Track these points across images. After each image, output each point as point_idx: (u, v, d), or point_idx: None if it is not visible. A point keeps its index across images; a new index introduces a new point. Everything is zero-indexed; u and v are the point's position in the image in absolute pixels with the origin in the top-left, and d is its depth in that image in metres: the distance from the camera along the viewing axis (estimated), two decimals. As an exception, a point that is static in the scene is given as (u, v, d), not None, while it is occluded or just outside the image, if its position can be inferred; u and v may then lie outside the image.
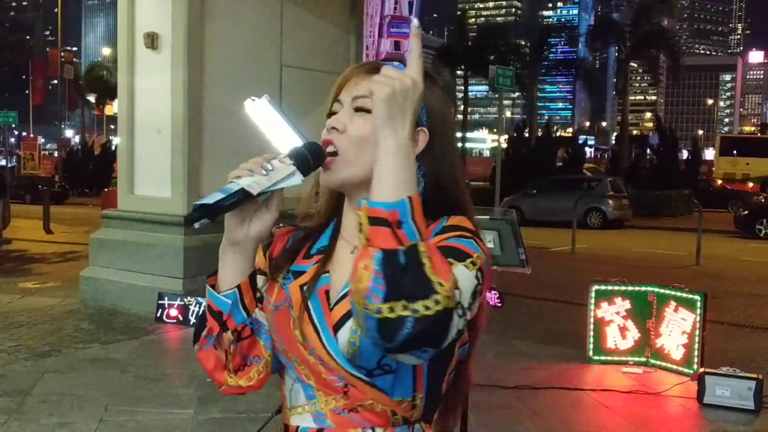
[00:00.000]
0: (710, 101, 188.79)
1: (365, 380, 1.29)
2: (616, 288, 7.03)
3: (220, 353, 1.41)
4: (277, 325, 1.38)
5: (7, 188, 21.24)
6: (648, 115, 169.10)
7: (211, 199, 1.26)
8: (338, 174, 1.36)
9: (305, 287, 1.36)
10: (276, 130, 5.62)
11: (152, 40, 8.79)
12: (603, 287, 7.05)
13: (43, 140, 58.50)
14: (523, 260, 3.47)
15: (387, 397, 1.30)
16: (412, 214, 1.15)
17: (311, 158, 1.34)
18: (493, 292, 3.89)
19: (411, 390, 1.31)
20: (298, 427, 1.38)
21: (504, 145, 24.63)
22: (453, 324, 1.13)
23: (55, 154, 54.01)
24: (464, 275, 1.20)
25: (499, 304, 3.93)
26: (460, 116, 43.47)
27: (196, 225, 1.28)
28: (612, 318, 6.99)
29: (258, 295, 1.42)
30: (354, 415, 1.32)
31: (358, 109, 1.37)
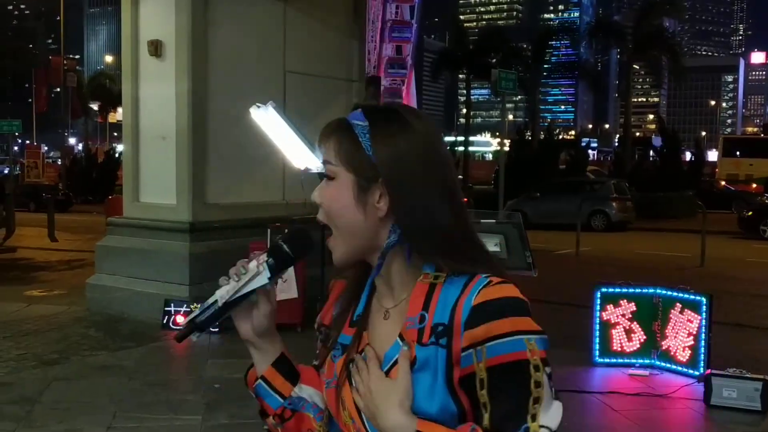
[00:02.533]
0: (713, 102, 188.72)
1: None
2: (622, 290, 7.04)
3: None
4: (329, 402, 1.40)
5: (6, 195, 21.27)
6: (651, 116, 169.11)
7: (195, 314, 1.35)
8: (335, 256, 1.36)
9: (350, 365, 1.35)
10: (281, 135, 5.68)
11: (156, 48, 8.84)
12: (608, 290, 7.06)
13: (46, 148, 58.65)
14: (530, 263, 3.49)
15: None
16: None
17: (290, 248, 1.38)
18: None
19: None
20: None
21: (507, 149, 24.61)
22: None
23: (59, 162, 54.10)
24: (553, 410, 1.23)
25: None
26: (462, 120, 43.46)
27: (193, 338, 1.36)
28: (617, 320, 7.00)
29: (314, 363, 1.47)
30: None
31: (326, 176, 1.35)
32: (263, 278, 1.35)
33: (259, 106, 5.31)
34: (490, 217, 3.52)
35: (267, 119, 5.00)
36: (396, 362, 1.27)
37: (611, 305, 7.01)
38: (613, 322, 7.01)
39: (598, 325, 7.03)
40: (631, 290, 7.04)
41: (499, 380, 1.20)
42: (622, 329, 7.00)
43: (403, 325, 1.29)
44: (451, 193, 1.31)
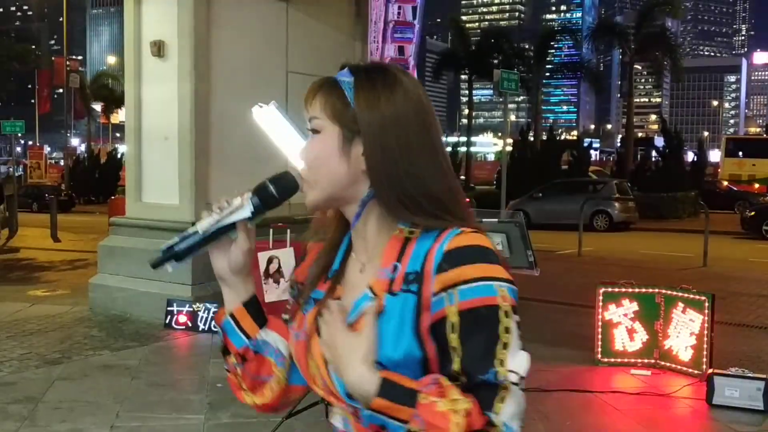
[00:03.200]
0: (715, 102, 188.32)
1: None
2: (624, 290, 7.04)
3: (232, 375, 1.51)
4: (297, 354, 1.42)
5: (8, 196, 21.31)
6: (653, 117, 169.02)
7: (171, 243, 1.37)
8: (307, 198, 1.39)
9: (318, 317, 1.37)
10: (284, 136, 5.67)
11: (159, 49, 8.85)
12: (610, 289, 7.06)
13: (49, 149, 58.70)
14: (532, 262, 3.49)
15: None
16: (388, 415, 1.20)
17: (275, 188, 1.40)
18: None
19: None
20: None
21: (509, 149, 24.59)
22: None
23: (61, 162, 54.14)
24: (520, 356, 1.25)
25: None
26: (464, 120, 43.44)
27: (169, 268, 1.39)
28: (620, 320, 7.00)
29: (284, 317, 1.50)
30: None
31: (312, 131, 1.38)
32: (245, 212, 1.38)
33: (261, 106, 5.33)
34: (492, 217, 3.52)
35: (269, 119, 5.02)
36: (360, 312, 1.30)
37: (614, 305, 7.02)
38: (615, 321, 7.01)
39: (600, 325, 7.03)
40: (633, 290, 7.04)
41: (469, 324, 1.22)
42: (625, 329, 7.01)
43: (374, 276, 1.33)
44: (433, 150, 1.34)
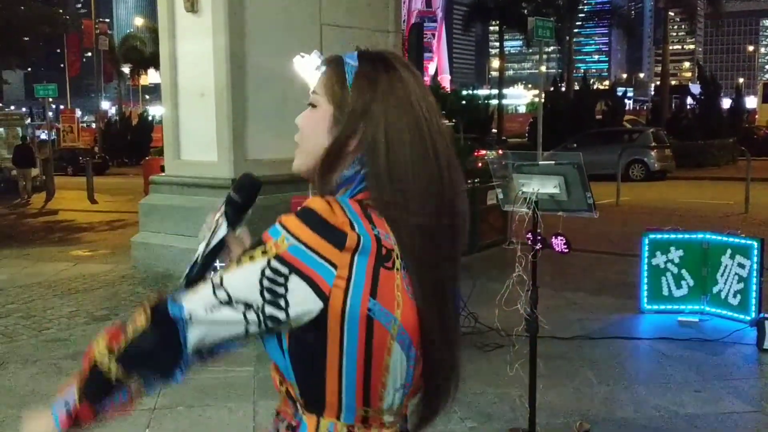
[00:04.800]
0: (751, 48, 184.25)
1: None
2: (670, 236, 6.95)
3: None
4: None
5: (44, 160, 21.58)
6: (686, 64, 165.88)
7: (186, 273, 1.53)
8: (294, 162, 1.48)
9: None
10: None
11: (192, 4, 8.78)
12: (656, 236, 6.97)
13: (80, 113, 59.08)
14: (591, 204, 3.42)
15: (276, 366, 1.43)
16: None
17: (239, 196, 1.54)
18: (559, 237, 3.84)
19: (286, 379, 1.40)
20: None
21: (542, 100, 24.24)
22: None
23: (93, 126, 54.52)
24: (237, 271, 1.31)
25: (566, 250, 3.89)
26: (495, 72, 42.91)
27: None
28: (666, 266, 6.93)
29: None
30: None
31: (310, 104, 1.45)
32: (224, 229, 1.52)
33: (303, 56, 5.26)
34: (549, 159, 3.46)
35: (311, 69, 4.95)
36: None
37: (659, 251, 6.93)
38: (661, 268, 6.94)
39: (646, 272, 6.96)
40: (679, 236, 6.95)
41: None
42: (671, 275, 6.93)
43: None
44: (422, 149, 1.36)
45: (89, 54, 64.05)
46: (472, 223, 7.33)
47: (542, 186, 3.40)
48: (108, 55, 48.11)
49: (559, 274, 8.02)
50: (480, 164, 16.24)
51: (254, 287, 1.27)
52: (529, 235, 3.63)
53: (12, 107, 58.79)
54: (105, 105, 66.26)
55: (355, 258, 1.27)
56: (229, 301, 1.28)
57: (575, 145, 23.61)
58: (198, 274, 1.50)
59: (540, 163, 3.53)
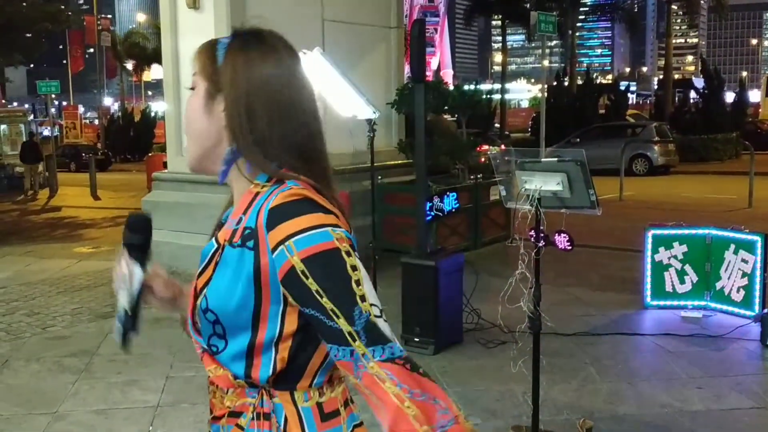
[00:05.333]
0: (754, 41, 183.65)
1: (207, 350, 1.45)
2: (674, 232, 6.94)
3: None
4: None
5: (47, 156, 21.62)
6: (690, 58, 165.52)
7: (117, 329, 1.54)
8: (187, 156, 1.50)
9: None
10: (328, 81, 5.59)
11: (194, 0, 8.77)
12: (660, 231, 6.96)
13: (82, 109, 59.10)
14: (594, 201, 3.41)
15: (223, 368, 1.42)
16: None
17: (136, 236, 1.52)
18: (563, 234, 3.83)
19: (244, 368, 1.39)
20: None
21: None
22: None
23: (96, 122, 54.51)
24: (371, 290, 1.29)
25: (569, 248, 3.88)
26: (497, 67, 42.78)
27: (132, 336, 1.56)
28: (669, 262, 6.92)
29: None
30: (212, 376, 1.46)
31: (191, 89, 1.47)
32: (139, 273, 1.51)
33: (305, 53, 5.23)
34: (551, 156, 3.45)
35: (313, 66, 4.94)
36: (210, 257, 1.40)
37: (662, 247, 6.93)
38: (665, 263, 6.93)
39: (649, 268, 6.95)
40: (683, 231, 6.94)
41: (318, 268, 1.26)
42: (674, 271, 6.93)
43: (225, 227, 1.42)
44: (302, 114, 1.41)
45: (91, 50, 64.05)
46: (474, 219, 7.39)
47: (545, 183, 3.39)
48: (110, 51, 48.06)
49: (561, 270, 8.01)
50: (483, 159, 16.23)
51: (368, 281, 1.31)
52: (532, 233, 3.63)
53: (15, 104, 58.79)
54: (107, 101, 66.26)
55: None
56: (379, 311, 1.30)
57: (578, 139, 23.59)
58: (132, 324, 1.52)
59: (543, 160, 3.51)
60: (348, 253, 1.28)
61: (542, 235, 3.58)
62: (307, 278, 1.26)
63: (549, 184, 3.40)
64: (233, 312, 1.34)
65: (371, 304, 1.27)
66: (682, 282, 6.92)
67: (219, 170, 1.45)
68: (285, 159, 1.38)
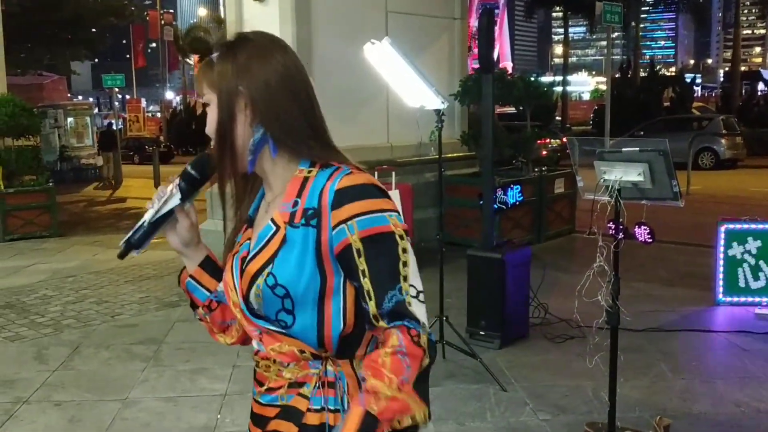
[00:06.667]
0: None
1: (272, 329, 1.52)
2: (747, 227, 6.74)
3: (204, 323, 1.78)
4: (226, 293, 1.64)
5: (113, 149, 22.14)
6: (757, 49, 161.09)
7: (128, 236, 1.62)
8: (224, 172, 1.56)
9: (234, 257, 1.60)
10: (396, 71, 5.52)
11: (259, -7, 8.81)
12: (733, 226, 6.76)
13: (145, 102, 60.14)
14: (677, 193, 3.30)
15: (293, 340, 1.50)
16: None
17: (194, 170, 1.61)
18: (643, 227, 3.73)
19: (316, 338, 1.49)
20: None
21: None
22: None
23: (158, 115, 55.39)
24: (416, 273, 1.45)
25: (650, 241, 3.78)
26: (558, 59, 42.20)
27: (134, 253, 1.63)
28: (743, 257, 6.72)
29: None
30: (272, 353, 1.54)
31: (204, 105, 1.57)
32: (176, 199, 1.60)
33: (373, 43, 5.19)
34: (632, 145, 3.35)
35: (382, 56, 4.89)
36: (268, 239, 1.50)
37: (736, 242, 6.73)
38: (738, 259, 6.73)
39: (722, 263, 6.75)
40: (757, 226, 6.73)
41: (372, 248, 1.41)
42: (748, 267, 6.72)
43: (276, 210, 1.52)
44: (309, 104, 1.54)
45: (153, 44, 65.10)
46: (538, 212, 7.28)
47: (625, 174, 3.30)
48: (173, 45, 48.75)
49: (628, 265, 7.83)
50: (545, 152, 16.01)
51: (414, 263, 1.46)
52: (611, 225, 3.53)
53: (80, 97, 60.12)
54: (169, 95, 67.36)
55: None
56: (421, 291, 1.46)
57: (642, 132, 23.13)
58: (140, 239, 1.60)
59: (624, 150, 3.41)
60: (401, 237, 1.43)
61: (622, 227, 3.48)
62: (359, 257, 1.41)
63: (630, 174, 3.30)
64: (304, 285, 1.45)
65: (410, 285, 1.42)
66: (756, 278, 6.71)
67: (247, 159, 1.53)
68: (311, 144, 1.51)
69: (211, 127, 1.54)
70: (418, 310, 1.41)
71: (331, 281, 1.46)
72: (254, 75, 1.49)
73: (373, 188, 1.45)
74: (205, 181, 1.63)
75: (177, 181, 1.61)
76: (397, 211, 1.45)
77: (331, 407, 1.51)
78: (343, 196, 1.42)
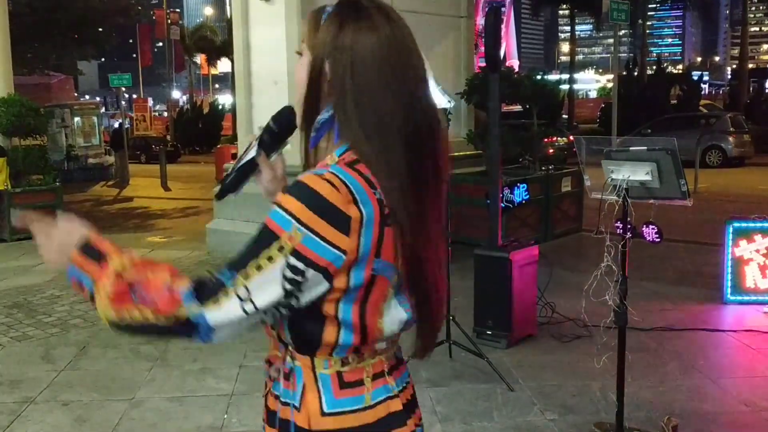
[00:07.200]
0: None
1: None
2: (756, 225, 6.71)
3: None
4: None
5: (120, 148, 22.23)
6: (765, 46, 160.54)
7: (224, 179, 1.66)
8: (297, 116, 1.54)
9: None
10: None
11: (265, -8, 8.81)
12: (741, 225, 6.73)
13: (152, 102, 60.28)
14: (685, 192, 3.28)
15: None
16: (80, 269, 1.42)
17: (274, 123, 1.62)
18: (651, 226, 3.71)
19: (273, 322, 1.42)
20: None
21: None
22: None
23: (165, 114, 55.51)
24: (260, 279, 1.31)
25: (658, 240, 3.76)
26: (564, 57, 42.14)
27: (232, 197, 1.66)
28: (751, 256, 6.69)
29: None
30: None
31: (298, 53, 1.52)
32: (254, 151, 1.63)
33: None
34: (639, 144, 3.33)
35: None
36: None
37: (744, 241, 6.70)
38: (746, 258, 6.70)
39: (729, 262, 6.73)
40: (765, 225, 6.70)
41: (257, 236, 1.34)
42: (756, 265, 6.69)
43: None
44: (396, 86, 1.38)
45: (160, 44, 65.24)
46: (545, 211, 7.26)
47: (633, 173, 3.28)
48: (179, 44, 48.83)
49: (636, 264, 7.79)
50: (551, 151, 15.98)
51: (278, 291, 1.31)
52: (618, 224, 3.51)
53: (86, 97, 60.29)
54: (175, 94, 67.52)
55: (361, 235, 1.32)
56: (256, 311, 1.32)
57: (649, 130, 23.07)
58: (232, 183, 1.63)
59: (631, 149, 3.40)
60: (281, 249, 1.30)
61: (630, 226, 3.46)
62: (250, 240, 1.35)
63: (638, 173, 3.28)
64: None
65: (246, 287, 1.30)
66: (765, 277, 6.68)
67: (311, 135, 1.48)
68: (360, 137, 1.38)
69: (297, 79, 1.50)
70: (225, 309, 1.31)
71: None
72: (344, 53, 1.39)
73: (312, 192, 1.31)
74: (286, 135, 1.63)
75: (259, 134, 1.63)
76: (315, 233, 1.29)
77: (283, 399, 1.49)
78: (292, 186, 1.34)
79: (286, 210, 1.30)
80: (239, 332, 1.37)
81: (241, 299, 1.31)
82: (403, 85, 1.39)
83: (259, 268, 1.30)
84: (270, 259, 1.30)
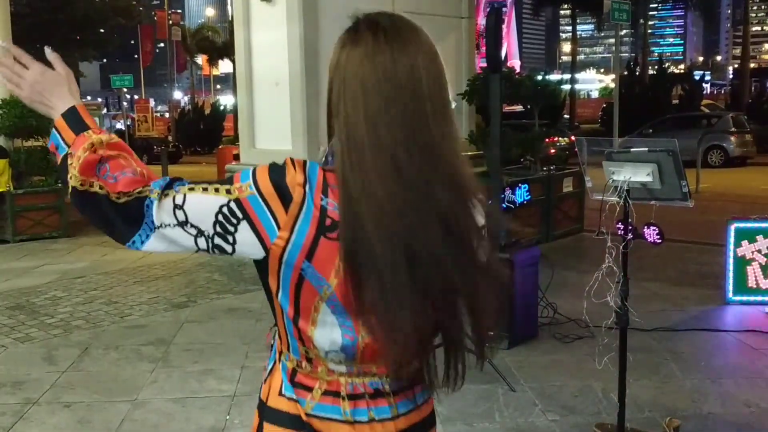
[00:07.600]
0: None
1: None
2: (758, 225, 6.71)
3: None
4: None
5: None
6: (766, 46, 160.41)
7: None
8: None
9: None
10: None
11: (266, -7, 8.83)
12: (743, 225, 6.73)
13: (153, 102, 60.33)
14: (686, 193, 3.29)
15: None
16: (59, 134, 1.48)
17: None
18: (652, 227, 3.72)
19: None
20: None
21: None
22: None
23: (167, 115, 55.54)
24: (199, 198, 1.38)
25: (659, 241, 3.76)
26: (565, 57, 42.12)
27: None
28: (753, 256, 6.69)
29: None
30: None
31: None
32: None
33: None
34: (641, 146, 3.33)
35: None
36: None
37: (746, 241, 6.70)
38: (748, 258, 6.70)
39: (732, 262, 6.73)
40: (767, 224, 6.70)
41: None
42: (758, 266, 6.69)
43: None
44: (378, 121, 1.33)
45: (162, 45, 65.29)
46: (546, 212, 7.25)
47: (634, 174, 3.29)
48: (181, 45, 48.88)
49: (637, 264, 7.81)
50: (553, 151, 15.97)
51: (209, 218, 1.37)
52: (620, 225, 3.52)
53: (88, 98, 60.33)
54: (177, 95, 67.54)
55: (297, 225, 1.35)
56: (185, 222, 1.38)
57: (651, 130, 23.07)
58: None
59: (632, 150, 3.40)
60: (228, 192, 1.37)
61: (631, 227, 3.47)
62: None
63: (639, 174, 3.29)
64: None
65: (184, 196, 1.38)
66: (766, 277, 6.68)
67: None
68: (346, 166, 1.34)
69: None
70: (163, 205, 1.38)
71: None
72: (338, 77, 1.39)
73: (278, 168, 1.38)
74: None
75: None
76: (263, 198, 1.36)
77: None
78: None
79: (253, 171, 1.39)
80: (167, 246, 1.41)
81: (175, 205, 1.38)
82: (401, 119, 1.33)
83: (204, 190, 1.38)
84: (216, 191, 1.38)
